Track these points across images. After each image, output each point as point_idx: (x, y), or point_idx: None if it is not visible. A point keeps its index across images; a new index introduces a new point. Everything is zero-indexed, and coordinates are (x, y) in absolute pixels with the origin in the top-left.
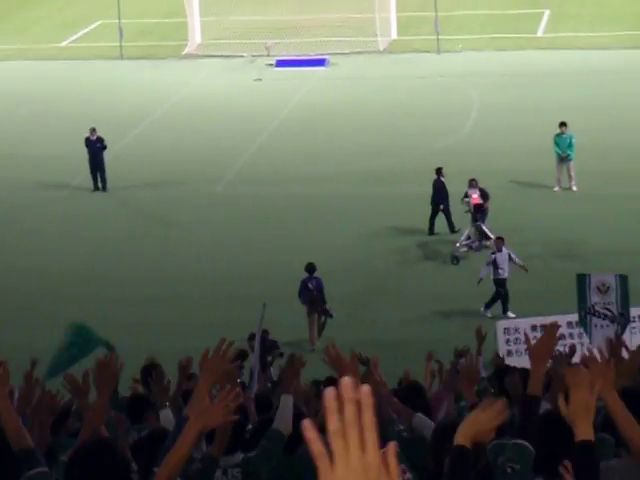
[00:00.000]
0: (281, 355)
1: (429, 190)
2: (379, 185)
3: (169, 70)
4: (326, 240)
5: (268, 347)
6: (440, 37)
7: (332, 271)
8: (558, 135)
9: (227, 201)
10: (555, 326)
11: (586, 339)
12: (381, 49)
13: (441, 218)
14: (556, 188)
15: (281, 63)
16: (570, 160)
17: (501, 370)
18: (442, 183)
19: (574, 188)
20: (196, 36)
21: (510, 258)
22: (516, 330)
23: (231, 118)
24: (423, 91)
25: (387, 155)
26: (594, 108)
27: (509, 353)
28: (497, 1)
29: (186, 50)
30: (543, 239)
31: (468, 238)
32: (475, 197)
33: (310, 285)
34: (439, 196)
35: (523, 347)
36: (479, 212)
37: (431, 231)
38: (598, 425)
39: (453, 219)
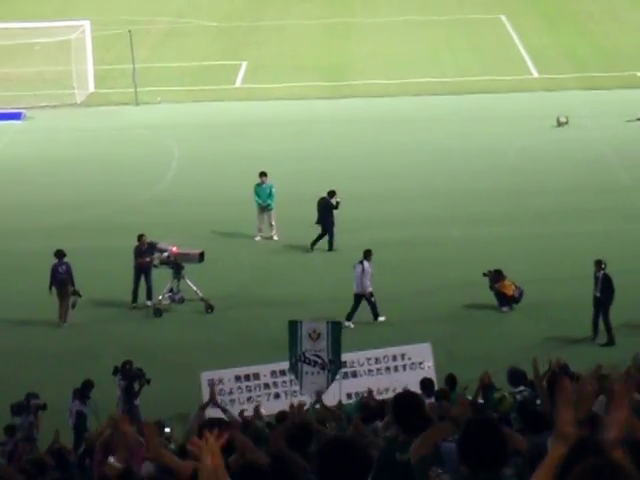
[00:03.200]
0: (148, 382)
1: (130, 243)
2: (81, 239)
3: None
4: (23, 297)
5: (133, 376)
6: (138, 89)
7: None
8: (258, 185)
9: None
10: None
11: (295, 387)
12: (78, 102)
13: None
14: (257, 237)
15: None
16: (270, 209)
17: None
18: (329, 203)
19: (275, 237)
20: None
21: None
22: (220, 381)
23: None
24: (123, 143)
25: (88, 208)
26: (293, 157)
27: (214, 405)
28: (194, 53)
29: None
30: (245, 289)
31: (170, 291)
32: (175, 249)
33: (60, 269)
34: (326, 217)
35: (228, 398)
36: (202, 260)
37: (312, 247)
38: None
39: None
